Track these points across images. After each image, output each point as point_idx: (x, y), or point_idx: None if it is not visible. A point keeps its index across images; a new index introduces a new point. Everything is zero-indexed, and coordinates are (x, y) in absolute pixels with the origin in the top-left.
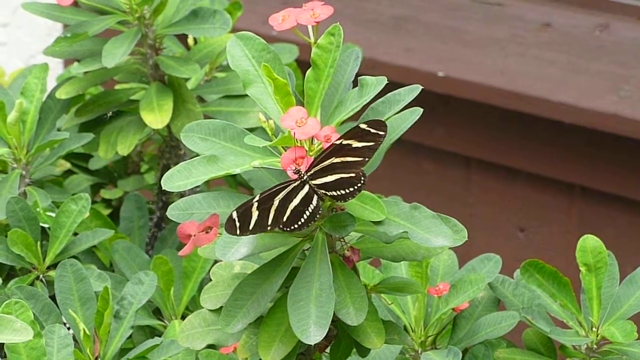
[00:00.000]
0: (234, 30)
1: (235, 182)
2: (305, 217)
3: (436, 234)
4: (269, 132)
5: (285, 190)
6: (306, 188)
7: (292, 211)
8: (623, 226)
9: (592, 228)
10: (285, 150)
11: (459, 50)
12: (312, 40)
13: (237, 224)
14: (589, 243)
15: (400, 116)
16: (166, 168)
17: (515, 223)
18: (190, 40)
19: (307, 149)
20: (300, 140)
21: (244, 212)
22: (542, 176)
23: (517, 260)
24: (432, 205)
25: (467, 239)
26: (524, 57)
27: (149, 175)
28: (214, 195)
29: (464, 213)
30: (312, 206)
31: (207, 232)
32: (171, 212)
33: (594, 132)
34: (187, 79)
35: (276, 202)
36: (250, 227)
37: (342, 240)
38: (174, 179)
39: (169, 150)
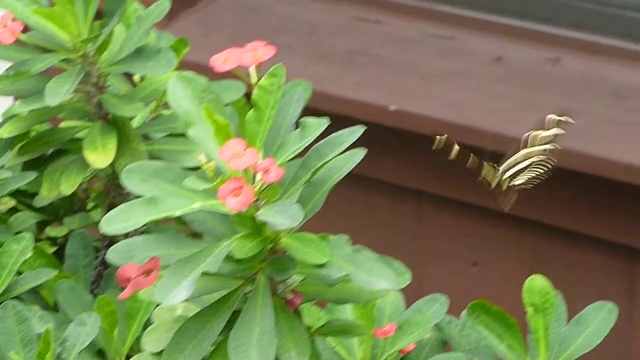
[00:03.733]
0: (184, 64)
1: (182, 221)
2: None
3: (379, 276)
4: (210, 174)
5: None
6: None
7: None
8: (574, 260)
9: (544, 262)
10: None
11: (410, 83)
12: (254, 81)
13: None
14: (537, 283)
15: (344, 157)
16: (112, 206)
17: (468, 258)
18: (136, 78)
19: (245, 180)
20: (238, 173)
21: None
22: (495, 211)
23: (470, 295)
24: (384, 240)
25: (410, 281)
26: (476, 91)
27: (96, 212)
28: (155, 237)
29: (416, 247)
30: None
31: (147, 275)
32: (111, 255)
33: None
34: (131, 117)
35: None
36: None
37: (284, 283)
38: (113, 222)
39: (113, 188)
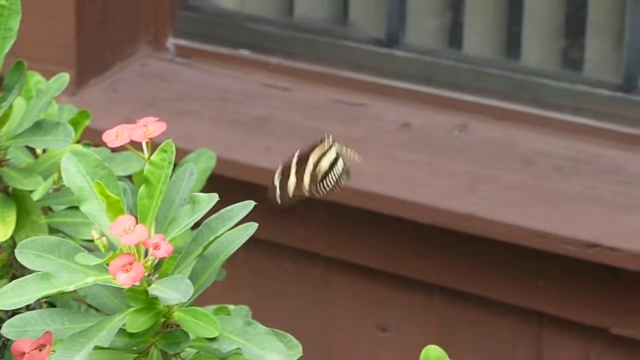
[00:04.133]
0: (90, 133)
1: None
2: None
3: (270, 350)
4: (102, 249)
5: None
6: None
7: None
8: (482, 325)
9: (451, 327)
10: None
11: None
12: (146, 156)
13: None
14: (432, 353)
15: (235, 231)
16: (15, 278)
17: (376, 323)
18: (38, 150)
19: (135, 255)
20: (130, 248)
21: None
22: (402, 276)
23: None
24: (292, 306)
25: (302, 354)
26: (383, 157)
27: (1, 282)
28: (49, 312)
29: (324, 313)
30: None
31: (40, 350)
32: (5, 330)
33: (452, 232)
34: (32, 190)
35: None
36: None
37: (177, 356)
38: (7, 297)
39: (15, 261)
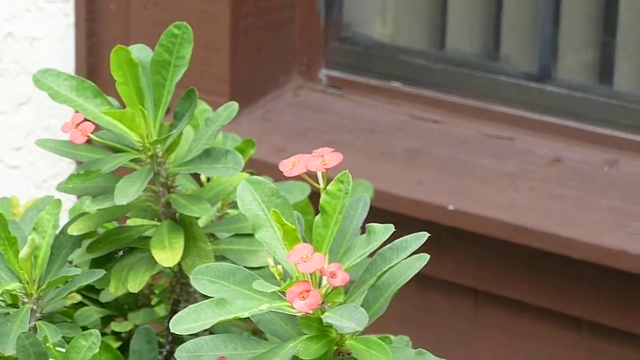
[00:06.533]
0: (248, 162)
1: (247, 325)
2: None
3: None
4: (277, 277)
5: None
6: None
7: None
8: None
9: None
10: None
11: (469, 184)
12: (322, 186)
13: None
14: None
15: (408, 262)
16: (177, 302)
17: (524, 359)
18: (203, 177)
19: (312, 283)
20: (306, 275)
21: None
22: (551, 310)
23: None
24: (441, 339)
25: None
26: (533, 192)
27: (160, 308)
28: (222, 338)
29: (472, 347)
30: None
31: None
32: (179, 354)
33: (602, 267)
34: (198, 217)
35: None
36: None
37: None
38: (183, 322)
39: (179, 286)
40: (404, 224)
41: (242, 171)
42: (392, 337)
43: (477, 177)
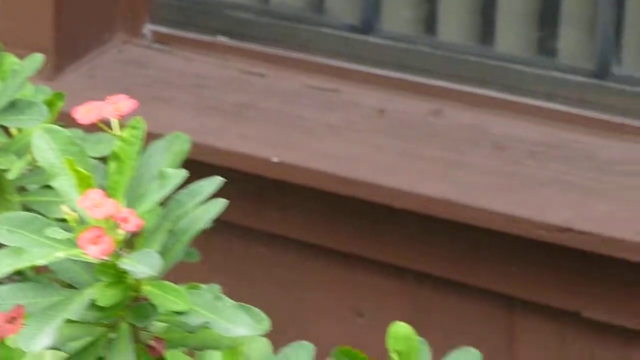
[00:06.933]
0: (64, 117)
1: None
2: None
3: (238, 323)
4: (73, 224)
5: None
6: None
7: None
8: (455, 309)
9: (425, 312)
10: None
11: (294, 136)
12: (116, 133)
13: None
14: (400, 330)
15: (205, 207)
16: None
17: (354, 308)
18: (13, 130)
19: (105, 229)
20: (100, 222)
21: None
22: (377, 261)
23: (357, 346)
24: (268, 291)
25: (270, 328)
26: (358, 143)
27: None
28: (20, 286)
29: (300, 298)
30: None
31: (12, 323)
32: None
33: (427, 217)
34: (5, 170)
35: None
36: None
37: (146, 330)
38: None
39: None
40: (231, 178)
41: (55, 124)
42: (203, 285)
43: (303, 129)
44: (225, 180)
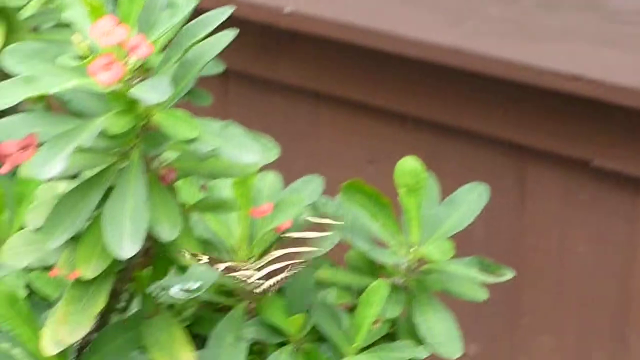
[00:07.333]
0: None
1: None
2: None
3: (247, 150)
4: (85, 53)
5: None
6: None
7: None
8: (467, 157)
9: (436, 160)
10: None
11: None
12: None
13: None
14: (408, 164)
15: (215, 39)
16: None
17: (364, 156)
18: None
19: (116, 56)
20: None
21: None
22: (387, 109)
23: None
24: (282, 141)
25: (277, 156)
26: None
27: None
28: (33, 115)
29: (313, 147)
30: None
31: (25, 151)
32: None
33: (438, 65)
34: (19, 8)
35: None
36: None
37: (157, 159)
38: None
39: (2, 78)
40: (244, 28)
41: None
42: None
43: None
44: (233, 11)
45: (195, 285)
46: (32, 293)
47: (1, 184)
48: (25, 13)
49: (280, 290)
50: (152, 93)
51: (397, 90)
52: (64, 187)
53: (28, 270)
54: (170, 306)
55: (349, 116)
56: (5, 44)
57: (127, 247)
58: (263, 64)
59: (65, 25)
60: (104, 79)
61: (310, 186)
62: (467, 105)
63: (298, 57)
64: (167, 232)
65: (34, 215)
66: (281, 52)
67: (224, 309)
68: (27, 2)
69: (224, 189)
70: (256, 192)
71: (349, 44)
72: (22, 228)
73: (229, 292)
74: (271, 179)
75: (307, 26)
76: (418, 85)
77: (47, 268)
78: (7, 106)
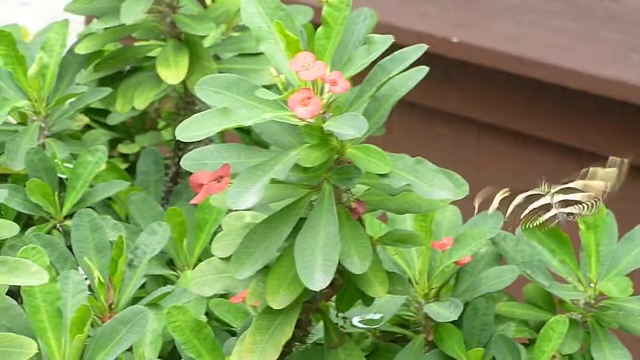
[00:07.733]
0: None
1: (250, 139)
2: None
3: (438, 187)
4: (280, 87)
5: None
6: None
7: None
8: (629, 190)
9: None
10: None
11: (472, 16)
12: None
13: None
14: None
15: (407, 74)
16: None
17: (525, 187)
18: (207, 0)
19: (313, 90)
20: (307, 84)
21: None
22: (551, 141)
23: None
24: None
25: (468, 192)
26: (534, 25)
27: (166, 131)
28: (226, 147)
29: (473, 175)
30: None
31: (218, 182)
32: (185, 162)
33: (602, 98)
34: (203, 37)
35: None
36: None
37: (348, 192)
38: (188, 129)
39: (184, 106)
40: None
41: None
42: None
43: (481, 10)
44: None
45: (376, 316)
46: (210, 320)
47: (182, 210)
48: (208, 41)
49: (457, 322)
50: (348, 128)
51: (559, 122)
52: (251, 216)
53: (209, 297)
54: (348, 335)
55: (510, 146)
56: (190, 71)
57: (319, 279)
58: (429, 94)
59: (247, 55)
60: (302, 113)
61: (490, 221)
62: (628, 137)
63: (463, 87)
64: (358, 265)
65: (222, 244)
66: (447, 82)
67: (400, 340)
68: (210, 32)
69: (405, 221)
70: (436, 225)
71: (512, 75)
72: (202, 254)
73: (405, 324)
74: (451, 213)
75: (473, 56)
76: (580, 117)
77: (225, 295)
78: (203, 137)
